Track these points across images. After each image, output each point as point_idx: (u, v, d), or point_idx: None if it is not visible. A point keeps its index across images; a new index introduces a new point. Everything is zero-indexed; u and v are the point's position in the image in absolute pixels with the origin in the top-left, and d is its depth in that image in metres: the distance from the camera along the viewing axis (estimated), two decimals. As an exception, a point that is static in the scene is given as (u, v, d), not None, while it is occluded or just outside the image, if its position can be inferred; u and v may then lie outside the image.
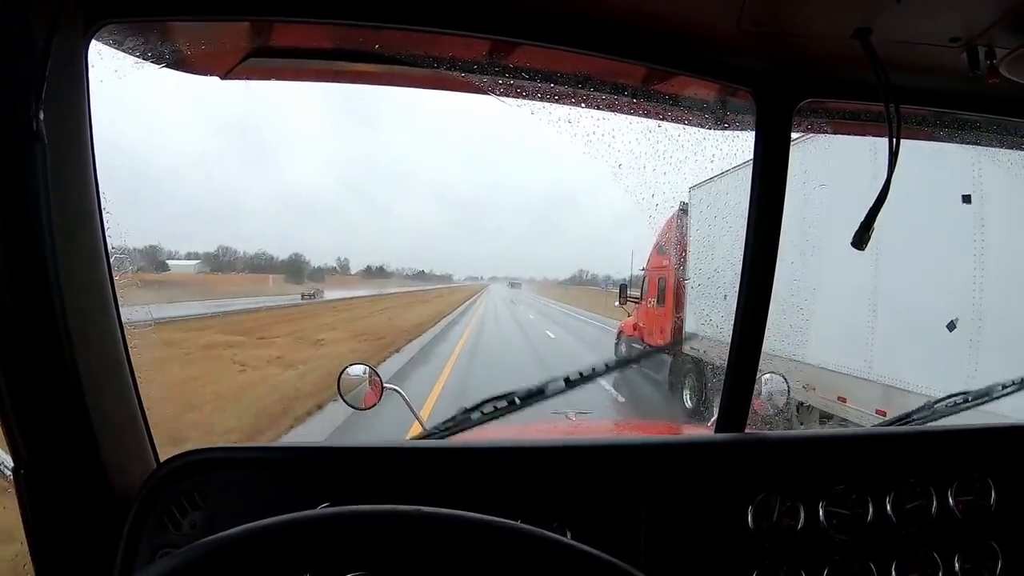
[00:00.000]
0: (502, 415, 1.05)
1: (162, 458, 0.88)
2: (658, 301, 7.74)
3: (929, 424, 1.19)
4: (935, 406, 1.24)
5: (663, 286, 7.50)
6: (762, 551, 0.96)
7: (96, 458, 0.81)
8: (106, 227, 0.85)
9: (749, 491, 0.97)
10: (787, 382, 1.46)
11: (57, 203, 0.74)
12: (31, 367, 0.75)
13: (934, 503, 1.03)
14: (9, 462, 0.98)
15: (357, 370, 1.42)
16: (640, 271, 8.84)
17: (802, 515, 0.98)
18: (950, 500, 1.04)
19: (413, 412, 1.67)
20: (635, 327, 8.95)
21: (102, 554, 0.81)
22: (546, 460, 0.95)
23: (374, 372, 1.45)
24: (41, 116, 0.68)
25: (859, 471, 1.02)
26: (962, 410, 1.24)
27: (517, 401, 1.06)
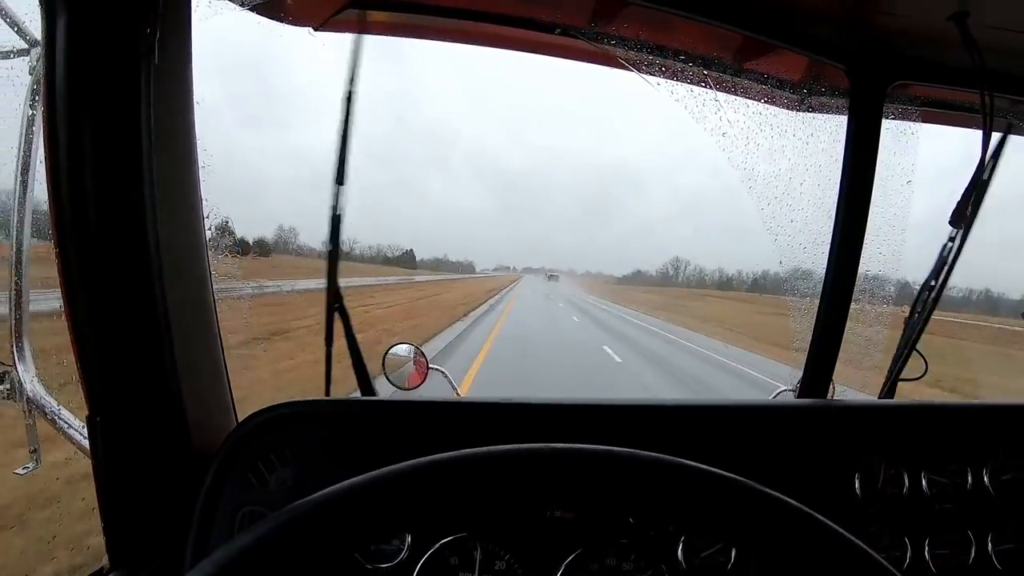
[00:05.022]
0: None
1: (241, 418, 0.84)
2: None
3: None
4: None
5: None
6: (867, 518, 0.93)
7: (179, 412, 0.76)
8: (201, 177, 0.81)
9: (854, 457, 0.94)
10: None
11: (158, 132, 0.70)
12: (119, 314, 0.71)
13: None
14: (70, 417, 0.94)
15: (403, 349, 1.35)
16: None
17: (906, 482, 0.95)
18: None
19: (458, 394, 1.62)
20: None
21: (176, 510, 0.76)
22: (629, 420, 0.90)
23: (419, 352, 1.40)
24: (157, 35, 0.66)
25: (955, 441, 0.99)
26: None
27: None
